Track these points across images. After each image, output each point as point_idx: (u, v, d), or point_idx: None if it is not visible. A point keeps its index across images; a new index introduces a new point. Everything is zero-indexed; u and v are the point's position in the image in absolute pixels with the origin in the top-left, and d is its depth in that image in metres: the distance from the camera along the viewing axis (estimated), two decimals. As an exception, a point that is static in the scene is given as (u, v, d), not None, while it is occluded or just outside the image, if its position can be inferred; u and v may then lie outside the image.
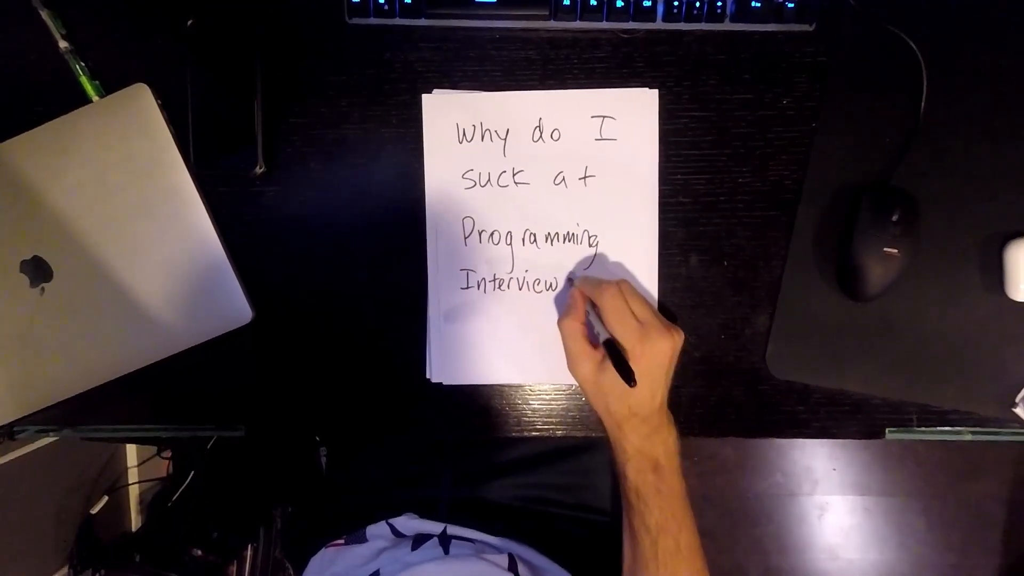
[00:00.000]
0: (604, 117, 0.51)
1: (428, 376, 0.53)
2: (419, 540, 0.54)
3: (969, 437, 0.51)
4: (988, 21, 0.50)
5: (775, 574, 1.37)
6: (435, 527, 0.55)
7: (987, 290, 0.50)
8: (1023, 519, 1.32)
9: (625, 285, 0.46)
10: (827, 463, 1.37)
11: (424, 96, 0.51)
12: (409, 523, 0.56)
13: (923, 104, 0.49)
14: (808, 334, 0.51)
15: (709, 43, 0.51)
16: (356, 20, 0.51)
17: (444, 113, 0.51)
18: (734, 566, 1.37)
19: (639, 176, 0.51)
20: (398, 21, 0.51)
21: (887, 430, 0.52)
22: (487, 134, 0.51)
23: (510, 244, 0.52)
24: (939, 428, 0.51)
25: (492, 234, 0.52)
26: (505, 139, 0.51)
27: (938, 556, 1.34)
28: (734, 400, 0.53)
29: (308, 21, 0.52)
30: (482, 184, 0.51)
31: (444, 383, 0.53)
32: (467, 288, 0.52)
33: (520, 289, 0.52)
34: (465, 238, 0.52)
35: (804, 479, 1.37)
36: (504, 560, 0.50)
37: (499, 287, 0.52)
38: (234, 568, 1.12)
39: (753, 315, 0.52)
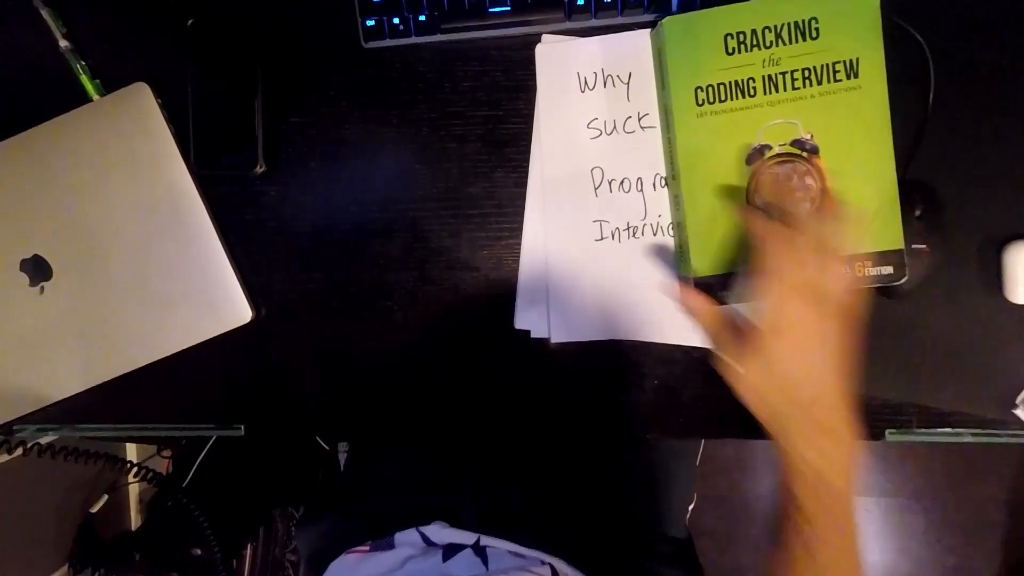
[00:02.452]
0: None
1: (547, 336, 0.51)
2: (451, 550, 0.52)
3: (969, 439, 0.51)
4: (996, 14, 0.49)
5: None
6: (468, 537, 0.53)
7: (987, 292, 0.50)
8: (1023, 521, 1.32)
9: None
10: (827, 464, 1.37)
11: (538, 47, 0.50)
12: (441, 532, 0.54)
13: (931, 99, 0.48)
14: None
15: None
16: (373, 44, 0.51)
17: (561, 63, 0.50)
18: (734, 566, 1.37)
19: None
20: (414, 40, 0.51)
21: (887, 431, 0.52)
22: (609, 80, 0.50)
23: (641, 191, 0.51)
24: (939, 430, 0.51)
25: (622, 182, 0.51)
26: (628, 83, 0.50)
27: (938, 558, 1.34)
28: (734, 400, 0.53)
29: (308, 21, 0.52)
30: (608, 132, 0.50)
31: (567, 340, 0.51)
32: (601, 239, 0.51)
33: (655, 235, 0.51)
34: (595, 188, 0.51)
35: (804, 480, 1.37)
36: (547, 571, 0.48)
37: (633, 235, 0.51)
38: (234, 568, 1.12)
39: (753, 316, 0.52)
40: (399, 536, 0.55)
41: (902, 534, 1.35)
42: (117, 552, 1.06)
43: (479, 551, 0.52)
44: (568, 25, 0.50)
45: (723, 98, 0.46)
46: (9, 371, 0.54)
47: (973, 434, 0.51)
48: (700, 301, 0.45)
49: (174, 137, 0.52)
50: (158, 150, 0.52)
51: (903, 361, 0.50)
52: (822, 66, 0.45)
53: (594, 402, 0.53)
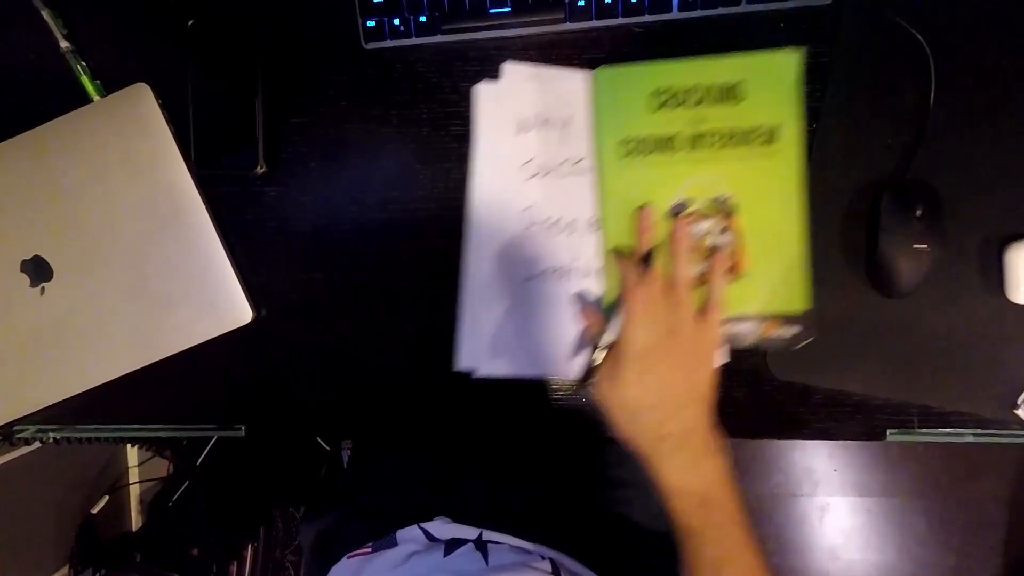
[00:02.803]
0: None
1: (465, 368, 0.52)
2: (452, 545, 0.52)
3: (970, 438, 0.51)
4: (996, 15, 0.49)
5: (776, 574, 1.37)
6: (470, 532, 0.53)
7: (988, 291, 0.50)
8: (1023, 520, 1.32)
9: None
10: (828, 464, 1.37)
11: (479, 86, 0.51)
12: (443, 527, 0.54)
13: (931, 99, 0.48)
14: (809, 335, 0.51)
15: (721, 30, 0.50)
16: (373, 44, 0.51)
17: (500, 103, 0.50)
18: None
19: None
20: (414, 41, 0.50)
21: (888, 431, 0.51)
22: (547, 122, 0.50)
23: (572, 234, 0.51)
24: (940, 429, 0.51)
25: (555, 223, 0.51)
26: (566, 127, 0.50)
27: (939, 557, 1.34)
28: (735, 400, 0.53)
29: (308, 21, 0.52)
30: (543, 174, 0.51)
31: (487, 376, 0.52)
32: (531, 279, 0.51)
33: (584, 277, 0.51)
34: (525, 229, 0.51)
35: (805, 480, 1.37)
36: (547, 566, 0.48)
37: (562, 276, 0.51)
38: (234, 568, 1.12)
39: (754, 316, 0.52)
40: (401, 533, 0.54)
41: (902, 534, 1.35)
42: (117, 553, 1.06)
43: (480, 546, 0.52)
44: (568, 27, 0.50)
45: (648, 151, 0.47)
46: (9, 371, 0.54)
47: (974, 434, 0.51)
48: (591, 319, 0.49)
49: (174, 137, 0.52)
50: (158, 150, 0.52)
51: (904, 361, 0.50)
52: (743, 130, 0.47)
53: (594, 401, 0.53)
